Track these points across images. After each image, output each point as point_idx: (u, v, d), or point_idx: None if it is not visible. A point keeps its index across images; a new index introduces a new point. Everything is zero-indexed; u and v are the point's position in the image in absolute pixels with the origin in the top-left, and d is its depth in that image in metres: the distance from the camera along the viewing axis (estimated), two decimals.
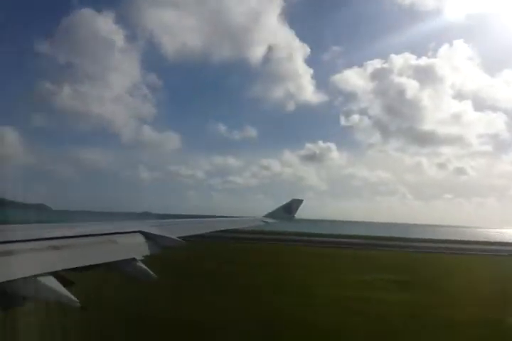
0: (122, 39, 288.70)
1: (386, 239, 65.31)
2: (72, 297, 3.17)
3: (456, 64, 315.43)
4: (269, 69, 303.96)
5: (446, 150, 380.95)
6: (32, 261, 3.54)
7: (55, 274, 3.41)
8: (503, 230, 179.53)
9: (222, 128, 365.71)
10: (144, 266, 4.50)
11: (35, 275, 3.19)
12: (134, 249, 4.95)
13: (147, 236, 5.43)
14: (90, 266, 4.08)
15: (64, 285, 3.33)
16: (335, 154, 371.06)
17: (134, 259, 4.51)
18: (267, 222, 11.37)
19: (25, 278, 3.10)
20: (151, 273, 4.50)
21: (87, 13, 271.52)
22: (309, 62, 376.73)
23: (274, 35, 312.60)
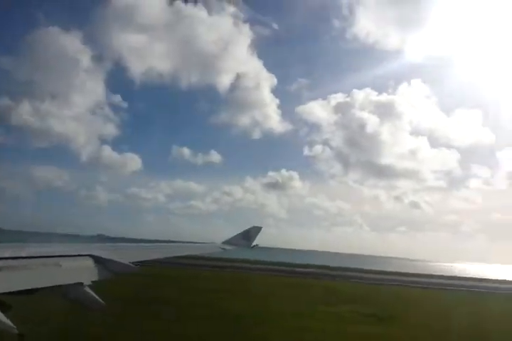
0: (88, 59, 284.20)
1: (342, 269, 65.72)
2: (9, 323, 2.99)
3: (413, 102, 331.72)
4: (236, 96, 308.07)
5: (402, 184, 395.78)
6: None
7: None
8: (454, 264, 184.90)
9: (186, 152, 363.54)
10: (91, 292, 4.32)
11: None
12: (82, 273, 4.75)
13: (97, 260, 5.22)
14: (33, 289, 3.88)
15: (1, 310, 3.14)
16: (297, 183, 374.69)
17: (81, 284, 4.33)
18: (224, 248, 11.23)
19: None
20: (99, 299, 4.32)
21: (53, 30, 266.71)
22: (276, 92, 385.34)
23: (242, 64, 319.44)
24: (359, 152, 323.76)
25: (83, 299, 4.24)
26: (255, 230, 12.67)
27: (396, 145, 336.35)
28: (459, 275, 77.33)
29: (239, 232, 12.71)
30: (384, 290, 40.43)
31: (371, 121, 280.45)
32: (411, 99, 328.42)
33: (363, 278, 52.14)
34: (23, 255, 4.43)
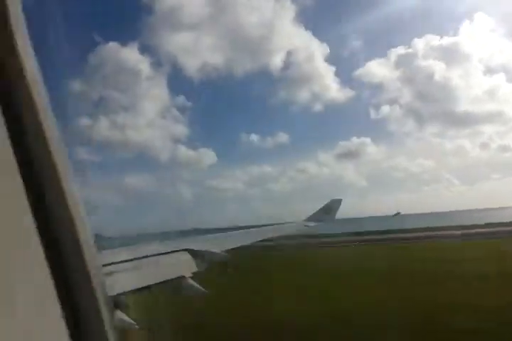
0: (148, 67, 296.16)
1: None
2: (130, 320, 3.36)
3: (479, 38, 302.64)
4: (291, 73, 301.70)
5: (486, 129, 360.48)
6: None
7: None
8: None
9: (254, 138, 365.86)
10: (193, 283, 4.73)
11: None
12: (182, 266, 5.18)
13: (193, 253, 5.67)
14: (142, 287, 4.30)
15: (120, 309, 3.53)
16: (371, 148, 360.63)
17: (183, 277, 4.74)
18: (308, 225, 11.37)
19: None
20: (201, 288, 4.72)
21: (112, 47, 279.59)
22: (330, 60, 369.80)
23: (291, 40, 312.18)
24: (432, 104, 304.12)
25: (187, 290, 4.66)
26: (335, 203, 12.64)
27: (470, 88, 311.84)
28: None
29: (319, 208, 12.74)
30: None
31: (438, 68, 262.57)
32: (476, 37, 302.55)
33: None
34: (128, 258, 4.90)
